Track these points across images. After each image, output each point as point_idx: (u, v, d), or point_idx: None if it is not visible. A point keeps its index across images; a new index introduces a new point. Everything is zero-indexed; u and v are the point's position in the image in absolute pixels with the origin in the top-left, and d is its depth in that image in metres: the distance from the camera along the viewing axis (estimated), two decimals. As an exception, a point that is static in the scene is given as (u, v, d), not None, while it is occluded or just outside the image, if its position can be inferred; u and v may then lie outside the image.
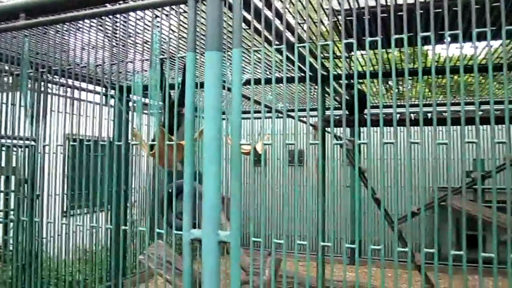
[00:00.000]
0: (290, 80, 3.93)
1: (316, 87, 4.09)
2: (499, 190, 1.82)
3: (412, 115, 2.94)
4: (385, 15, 2.18)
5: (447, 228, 1.85)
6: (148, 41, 2.80)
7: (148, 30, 2.70)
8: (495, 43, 3.71)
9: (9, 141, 3.36)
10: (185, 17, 2.58)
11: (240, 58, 1.98)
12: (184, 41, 2.48)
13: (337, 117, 4.11)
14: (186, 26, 2.53)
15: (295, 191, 2.14)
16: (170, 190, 3.36)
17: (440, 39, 2.94)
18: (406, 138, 1.90)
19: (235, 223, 1.97)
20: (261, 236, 2.05)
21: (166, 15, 2.26)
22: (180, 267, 2.60)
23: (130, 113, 4.43)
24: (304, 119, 5.38)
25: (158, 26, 2.26)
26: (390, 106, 6.25)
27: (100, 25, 2.93)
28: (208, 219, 1.98)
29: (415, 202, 6.40)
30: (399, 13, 1.98)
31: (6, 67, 3.27)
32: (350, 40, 1.97)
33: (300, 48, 2.11)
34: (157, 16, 2.40)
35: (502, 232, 2.66)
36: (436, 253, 1.85)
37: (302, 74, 3.62)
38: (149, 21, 2.51)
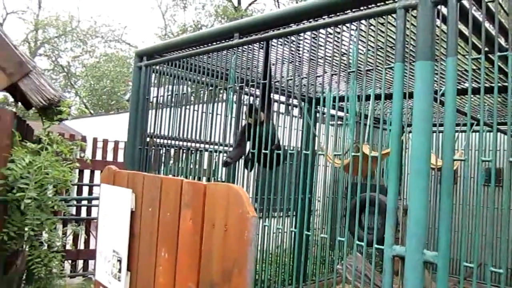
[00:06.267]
0: (502, 90, 3.54)
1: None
2: None
3: None
4: None
5: None
6: (344, 54, 2.84)
7: (338, 43, 2.74)
8: None
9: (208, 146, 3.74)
10: (379, 29, 2.55)
11: (455, 67, 1.86)
12: (383, 52, 2.44)
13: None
14: (382, 36, 2.52)
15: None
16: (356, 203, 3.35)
17: None
18: None
19: (444, 243, 1.84)
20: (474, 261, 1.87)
21: (373, 26, 2.26)
22: (378, 283, 2.56)
23: (317, 124, 4.56)
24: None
25: (364, 38, 2.27)
26: None
27: (292, 42, 3.08)
28: (413, 236, 1.89)
29: None
30: None
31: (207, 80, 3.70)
32: None
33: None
34: (356, 29, 2.43)
35: None
36: None
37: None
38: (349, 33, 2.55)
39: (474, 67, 3.37)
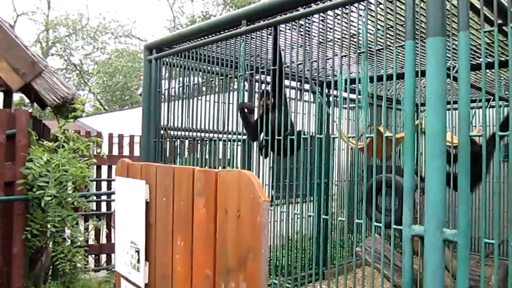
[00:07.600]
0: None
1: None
2: None
3: None
4: None
5: None
6: (354, 35, 2.79)
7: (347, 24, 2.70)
8: None
9: (222, 136, 3.72)
10: (388, 7, 2.50)
11: (467, 42, 1.81)
12: (392, 31, 2.39)
13: None
14: (391, 15, 2.47)
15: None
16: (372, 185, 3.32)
17: None
18: None
19: (463, 221, 1.82)
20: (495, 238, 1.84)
21: (381, 5, 2.21)
22: (398, 264, 2.55)
23: (330, 108, 4.52)
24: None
25: (373, 17, 2.23)
26: None
27: (301, 26, 3.05)
28: (432, 215, 1.87)
29: None
30: None
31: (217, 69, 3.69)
32: None
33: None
34: (368, 9, 2.38)
35: None
36: None
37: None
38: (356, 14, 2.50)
39: (488, 41, 3.29)
